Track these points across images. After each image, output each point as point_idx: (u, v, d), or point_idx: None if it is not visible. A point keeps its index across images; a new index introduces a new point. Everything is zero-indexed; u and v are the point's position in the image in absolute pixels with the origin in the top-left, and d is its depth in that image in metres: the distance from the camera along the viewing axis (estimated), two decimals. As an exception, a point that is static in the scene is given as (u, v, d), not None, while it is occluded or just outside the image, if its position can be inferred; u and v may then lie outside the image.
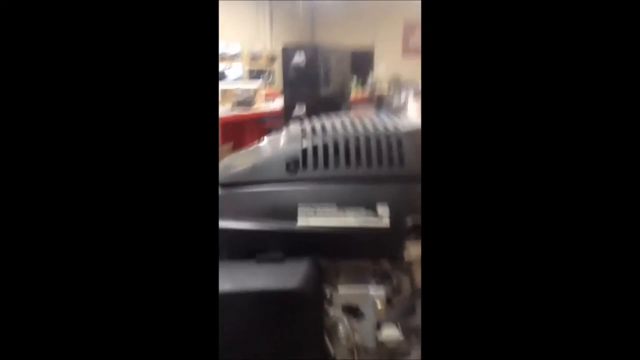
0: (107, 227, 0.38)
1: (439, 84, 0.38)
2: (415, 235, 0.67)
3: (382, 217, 0.66)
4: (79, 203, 0.37)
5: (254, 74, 5.65)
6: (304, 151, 0.69)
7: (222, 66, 5.06)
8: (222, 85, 3.73)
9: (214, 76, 0.43)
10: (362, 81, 5.09)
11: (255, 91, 3.83)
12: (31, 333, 0.35)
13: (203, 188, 0.41)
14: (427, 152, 0.38)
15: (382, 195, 0.66)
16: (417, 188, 0.52)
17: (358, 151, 0.68)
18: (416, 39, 6.25)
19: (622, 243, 0.34)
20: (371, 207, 0.65)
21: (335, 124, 0.75)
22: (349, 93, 4.33)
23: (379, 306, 0.69)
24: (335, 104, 3.78)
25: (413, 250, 0.68)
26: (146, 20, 0.39)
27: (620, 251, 0.34)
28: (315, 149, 0.69)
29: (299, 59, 3.54)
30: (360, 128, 0.71)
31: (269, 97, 4.28)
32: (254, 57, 5.87)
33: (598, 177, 0.34)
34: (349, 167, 0.67)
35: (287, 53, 3.58)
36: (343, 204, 0.66)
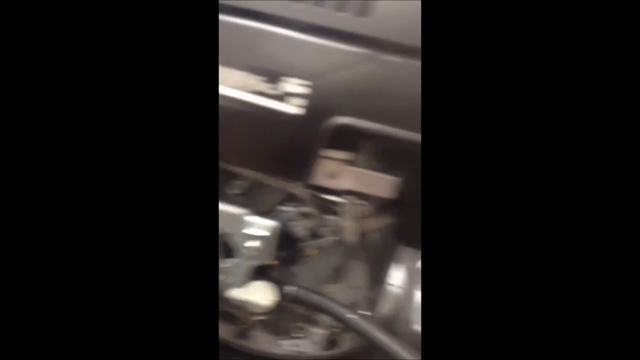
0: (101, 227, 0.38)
1: (439, 86, 0.37)
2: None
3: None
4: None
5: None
6: None
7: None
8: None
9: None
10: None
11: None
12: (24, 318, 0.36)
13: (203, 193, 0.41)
14: (427, 159, 0.38)
15: None
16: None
17: None
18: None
19: (624, 255, 0.34)
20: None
21: None
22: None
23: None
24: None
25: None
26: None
27: (623, 262, 0.34)
28: None
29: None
30: None
31: None
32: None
33: (599, 183, 0.34)
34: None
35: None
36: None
